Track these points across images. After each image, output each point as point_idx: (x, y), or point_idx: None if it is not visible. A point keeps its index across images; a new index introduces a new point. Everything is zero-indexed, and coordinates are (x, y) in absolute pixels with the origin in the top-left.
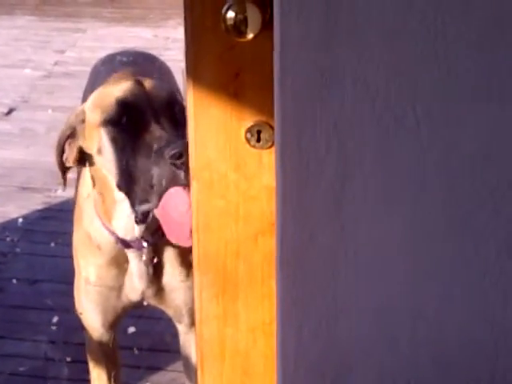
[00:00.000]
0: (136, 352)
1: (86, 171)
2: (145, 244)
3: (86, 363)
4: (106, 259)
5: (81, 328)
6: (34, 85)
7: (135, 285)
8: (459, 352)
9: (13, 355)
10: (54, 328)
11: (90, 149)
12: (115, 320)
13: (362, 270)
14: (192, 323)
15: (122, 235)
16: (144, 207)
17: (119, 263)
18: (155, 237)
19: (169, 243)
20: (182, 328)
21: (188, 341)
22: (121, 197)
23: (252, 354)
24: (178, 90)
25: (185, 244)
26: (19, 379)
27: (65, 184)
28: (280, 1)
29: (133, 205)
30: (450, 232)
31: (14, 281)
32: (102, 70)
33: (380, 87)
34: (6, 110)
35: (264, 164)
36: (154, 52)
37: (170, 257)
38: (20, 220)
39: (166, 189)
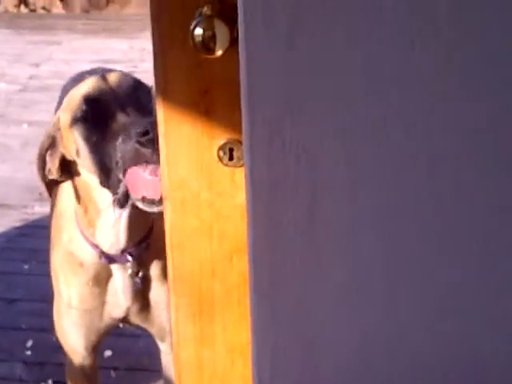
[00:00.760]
0: (113, 374)
1: (65, 187)
2: (129, 258)
3: None
4: (89, 277)
5: (57, 349)
6: (8, 99)
7: (120, 301)
8: (442, 381)
9: None
10: (28, 351)
11: (70, 154)
12: (98, 341)
13: (339, 290)
14: None
15: (106, 248)
16: (121, 190)
17: (102, 280)
18: (139, 249)
19: (154, 257)
20: (164, 348)
21: (170, 361)
22: (105, 205)
23: (230, 375)
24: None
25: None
26: None
27: (50, 196)
28: (244, 14)
29: (112, 192)
30: (429, 252)
31: None
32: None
33: (348, 98)
34: None
35: (237, 182)
36: (129, 63)
37: (155, 271)
38: None
39: (131, 166)
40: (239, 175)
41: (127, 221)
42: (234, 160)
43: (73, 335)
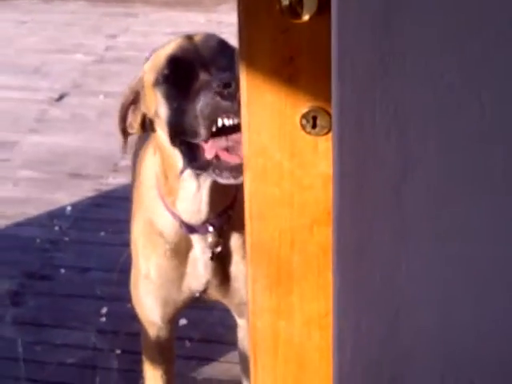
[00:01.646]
0: (188, 344)
1: (148, 153)
2: (210, 228)
3: (136, 354)
4: (169, 247)
5: (130, 318)
6: (85, 70)
7: (200, 273)
8: None
9: (61, 345)
10: (103, 318)
11: (151, 112)
12: (175, 313)
13: (425, 263)
14: None
15: (186, 218)
16: (194, 142)
17: (182, 252)
18: (221, 220)
19: (235, 229)
20: (242, 323)
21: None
22: (186, 174)
23: (306, 347)
24: None
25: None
26: (68, 369)
27: (125, 152)
28: None
29: (183, 152)
30: None
31: (63, 270)
32: None
33: (444, 72)
34: (57, 96)
35: (320, 151)
36: None
37: (236, 244)
38: (69, 208)
39: (212, 120)
40: (322, 144)
41: (209, 190)
42: (317, 128)
43: (149, 306)
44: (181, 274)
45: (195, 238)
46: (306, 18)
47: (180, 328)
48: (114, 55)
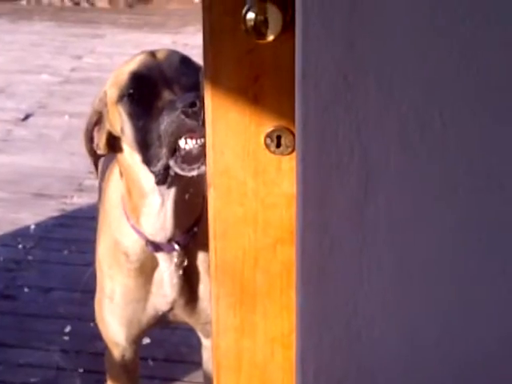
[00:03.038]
0: (151, 363)
1: (114, 173)
2: (176, 246)
3: (99, 373)
4: (134, 266)
5: (93, 337)
6: (50, 90)
7: (165, 293)
8: (483, 371)
9: (24, 365)
10: (66, 337)
11: (116, 130)
12: (139, 334)
13: (387, 282)
14: None
15: (151, 236)
16: (160, 163)
17: (147, 271)
18: (187, 237)
19: (202, 246)
20: (208, 343)
21: None
22: (149, 188)
23: (270, 366)
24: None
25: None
26: None
27: (97, 174)
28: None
29: (151, 167)
30: (479, 247)
31: (26, 289)
32: None
33: (406, 91)
34: (22, 116)
35: (283, 170)
36: None
37: (203, 262)
38: (32, 227)
39: (175, 138)
40: (286, 163)
41: (173, 206)
42: (281, 148)
43: (114, 327)
44: (146, 294)
45: (161, 257)
46: (270, 38)
47: (143, 347)
48: (79, 76)
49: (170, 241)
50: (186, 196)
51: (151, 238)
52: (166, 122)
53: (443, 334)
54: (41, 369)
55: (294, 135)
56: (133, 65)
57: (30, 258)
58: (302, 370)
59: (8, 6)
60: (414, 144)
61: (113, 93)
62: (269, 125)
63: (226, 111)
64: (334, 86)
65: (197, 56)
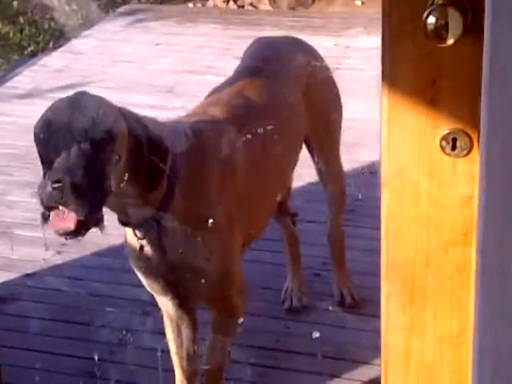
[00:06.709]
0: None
1: None
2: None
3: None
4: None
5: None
6: None
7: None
8: None
9: None
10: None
11: None
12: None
13: None
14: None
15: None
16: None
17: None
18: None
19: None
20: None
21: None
22: None
23: (438, 366)
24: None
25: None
26: None
27: None
28: (492, 5)
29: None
30: None
31: None
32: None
33: None
34: None
35: (458, 172)
36: (333, 60)
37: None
38: None
39: (45, 206)
40: (461, 165)
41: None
42: (457, 150)
43: None
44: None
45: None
46: (450, 41)
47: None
48: None
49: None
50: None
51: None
52: (41, 191)
53: None
54: None
55: (470, 138)
56: (49, 113)
57: None
58: (479, 369)
59: (176, 9)
60: None
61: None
62: (444, 127)
63: (403, 113)
64: None
65: (358, 59)
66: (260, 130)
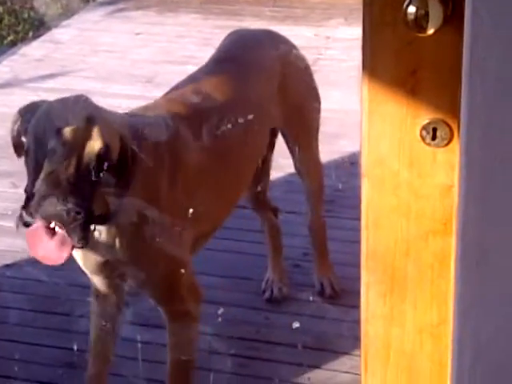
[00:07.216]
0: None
1: None
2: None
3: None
4: None
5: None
6: None
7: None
8: None
9: None
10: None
11: None
12: None
13: None
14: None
15: None
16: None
17: None
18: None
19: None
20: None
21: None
22: None
23: (418, 356)
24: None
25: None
26: None
27: None
28: None
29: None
30: None
31: None
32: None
33: None
34: None
35: (438, 162)
36: (314, 51)
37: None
38: None
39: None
40: (441, 155)
41: None
42: (437, 140)
43: None
44: None
45: None
46: (430, 31)
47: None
48: None
49: None
50: None
51: None
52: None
53: None
54: None
55: (450, 128)
56: (42, 111)
57: None
58: (459, 359)
59: None
60: None
61: (22, 122)
62: (425, 117)
63: (383, 103)
64: (502, 80)
65: (339, 49)
66: (219, 123)
